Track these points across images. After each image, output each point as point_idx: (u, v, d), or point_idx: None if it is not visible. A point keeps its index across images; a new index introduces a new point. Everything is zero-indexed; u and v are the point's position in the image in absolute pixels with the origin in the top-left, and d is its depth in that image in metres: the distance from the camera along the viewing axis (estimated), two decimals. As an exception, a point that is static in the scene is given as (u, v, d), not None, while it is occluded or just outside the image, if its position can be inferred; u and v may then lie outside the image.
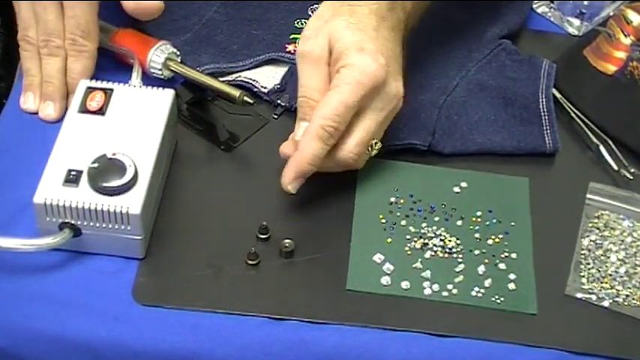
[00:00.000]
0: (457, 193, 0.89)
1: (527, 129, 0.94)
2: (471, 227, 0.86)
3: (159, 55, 0.93)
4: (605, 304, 0.82)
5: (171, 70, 0.93)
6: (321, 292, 0.81)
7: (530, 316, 0.81)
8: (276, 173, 0.84)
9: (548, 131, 0.94)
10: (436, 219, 0.87)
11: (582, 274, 0.84)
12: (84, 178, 0.80)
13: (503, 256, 0.84)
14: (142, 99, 0.87)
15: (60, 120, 0.90)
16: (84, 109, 0.85)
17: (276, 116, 0.94)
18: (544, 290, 0.82)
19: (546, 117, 0.94)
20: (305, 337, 0.78)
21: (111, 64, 0.94)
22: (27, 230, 0.80)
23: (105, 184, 0.79)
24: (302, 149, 0.82)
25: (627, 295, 0.83)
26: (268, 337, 0.78)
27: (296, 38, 0.99)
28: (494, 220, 0.87)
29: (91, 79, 0.89)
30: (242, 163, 0.90)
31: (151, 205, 0.82)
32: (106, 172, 0.79)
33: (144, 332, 0.77)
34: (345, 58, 0.82)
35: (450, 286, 0.82)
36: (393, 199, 0.88)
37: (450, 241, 0.85)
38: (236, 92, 0.88)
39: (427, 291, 0.81)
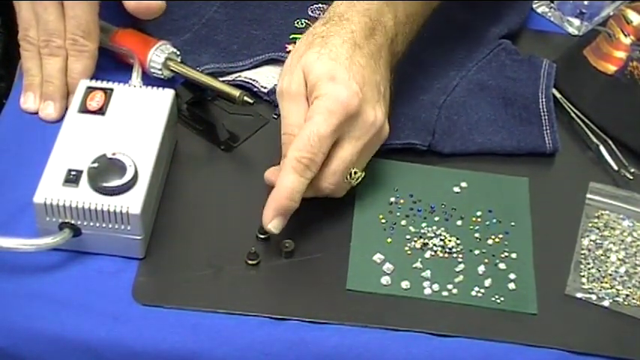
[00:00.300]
0: (457, 193, 0.89)
1: (527, 129, 0.94)
2: (471, 227, 0.86)
3: (159, 55, 0.93)
4: (605, 303, 0.82)
5: (171, 70, 0.93)
6: (321, 292, 0.81)
7: (530, 316, 0.81)
8: (276, 173, 0.84)
9: (548, 131, 0.94)
10: (436, 219, 0.87)
11: (582, 273, 0.84)
12: (84, 178, 0.80)
13: (503, 256, 0.84)
14: (142, 99, 0.87)
15: (60, 120, 0.90)
16: (84, 109, 0.85)
17: (276, 116, 0.94)
18: (544, 290, 0.82)
19: (546, 117, 0.94)
20: (305, 337, 0.78)
21: (111, 64, 0.94)
22: (27, 230, 0.80)
23: (105, 184, 0.79)
24: (279, 184, 0.80)
25: (627, 295, 0.83)
26: (268, 337, 0.78)
27: (296, 38, 0.99)
28: (494, 220, 0.87)
29: (91, 79, 0.89)
30: (242, 163, 0.90)
31: (151, 205, 0.82)
32: (106, 172, 0.79)
33: (144, 332, 0.77)
34: (317, 89, 0.81)
35: (450, 286, 0.82)
36: (393, 199, 0.88)
37: (450, 241, 0.85)
38: (236, 92, 0.88)
39: (427, 291, 0.81)
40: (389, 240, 0.85)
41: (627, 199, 0.89)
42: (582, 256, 0.85)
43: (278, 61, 0.97)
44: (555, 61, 0.99)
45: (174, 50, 0.94)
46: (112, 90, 0.87)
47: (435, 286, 0.82)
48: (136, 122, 0.84)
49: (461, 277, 0.83)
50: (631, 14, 1.00)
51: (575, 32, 1.07)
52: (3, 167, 0.87)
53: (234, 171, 0.89)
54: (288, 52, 0.97)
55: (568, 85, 0.98)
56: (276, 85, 0.94)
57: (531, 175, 0.91)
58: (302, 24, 1.01)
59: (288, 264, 0.82)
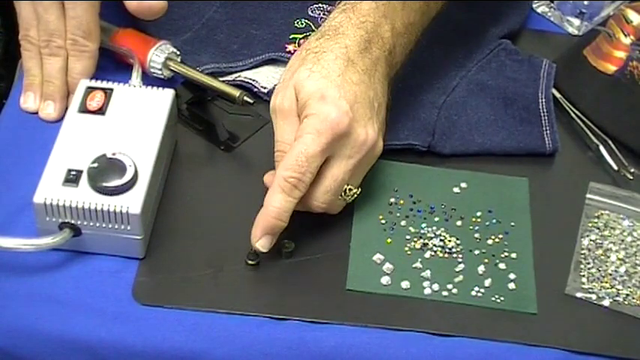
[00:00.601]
0: (457, 193, 0.89)
1: (527, 129, 0.94)
2: (471, 227, 0.86)
3: (159, 55, 0.93)
4: (605, 303, 0.82)
5: (171, 70, 0.93)
6: (321, 292, 0.81)
7: (530, 315, 0.81)
8: (276, 173, 0.84)
9: (548, 131, 0.94)
10: (436, 219, 0.87)
11: (582, 273, 0.84)
12: (84, 177, 0.80)
13: (503, 255, 0.84)
14: (141, 99, 0.87)
15: (60, 120, 0.90)
16: (84, 109, 0.85)
17: (276, 116, 0.94)
18: (544, 290, 0.82)
19: (546, 117, 0.94)
20: (305, 337, 0.78)
21: (111, 64, 0.94)
22: (27, 230, 0.80)
23: (105, 184, 0.79)
24: (266, 204, 0.80)
25: (627, 295, 0.83)
26: (268, 337, 0.78)
27: (296, 38, 0.99)
28: (494, 220, 0.87)
29: (91, 78, 0.89)
30: (242, 163, 0.90)
31: (150, 205, 0.82)
32: (105, 172, 0.79)
33: (144, 332, 0.77)
34: (307, 108, 0.80)
35: (449, 286, 0.82)
36: (392, 200, 0.88)
37: (449, 241, 0.85)
38: (236, 92, 0.88)
39: (427, 291, 0.82)
40: (389, 240, 0.85)
41: (627, 199, 0.89)
42: (582, 256, 0.85)
43: (278, 61, 0.97)
44: (555, 61, 0.99)
45: (174, 50, 0.94)
46: (112, 90, 0.87)
47: (435, 286, 0.82)
48: (135, 122, 0.84)
49: (461, 277, 0.83)
50: (631, 14, 1.00)
51: (575, 32, 1.07)
52: (3, 167, 0.87)
53: (234, 171, 0.89)
54: (288, 52, 0.97)
55: (568, 85, 0.98)
56: (276, 85, 0.95)
57: (531, 175, 0.91)
58: (302, 24, 1.01)
59: (288, 264, 0.82)
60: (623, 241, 0.87)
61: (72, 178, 0.80)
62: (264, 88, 0.95)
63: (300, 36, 0.99)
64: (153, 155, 0.82)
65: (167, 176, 0.87)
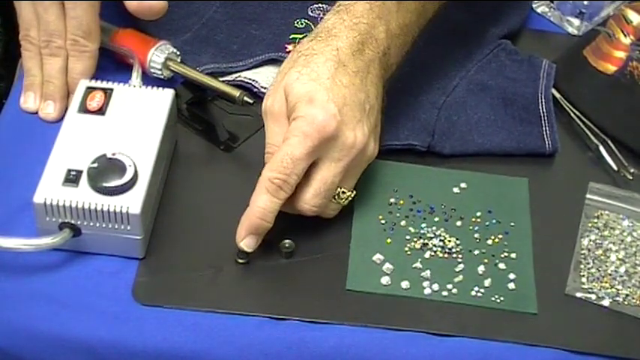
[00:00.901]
0: (457, 193, 0.89)
1: (527, 129, 0.94)
2: (471, 227, 0.86)
3: (159, 55, 0.93)
4: (605, 303, 0.82)
5: (171, 70, 0.93)
6: (321, 292, 0.81)
7: (530, 315, 0.81)
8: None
9: (548, 132, 0.94)
10: (436, 219, 0.87)
11: (582, 273, 0.84)
12: (84, 178, 0.80)
13: (503, 256, 0.84)
14: (141, 99, 0.87)
15: (60, 120, 0.90)
16: (84, 109, 0.85)
17: (276, 116, 0.94)
18: (544, 290, 0.83)
19: (546, 117, 0.94)
20: (305, 337, 0.78)
21: (111, 64, 0.94)
22: (27, 230, 0.80)
23: (105, 184, 0.79)
24: (252, 204, 0.80)
25: (627, 295, 0.83)
26: (268, 337, 0.78)
27: (296, 38, 0.99)
28: (494, 221, 0.87)
29: (91, 78, 0.89)
30: (242, 163, 0.90)
31: (150, 205, 0.82)
32: (105, 172, 0.79)
33: (144, 332, 0.77)
34: (296, 110, 0.80)
35: (449, 286, 0.82)
36: (392, 200, 0.88)
37: (449, 241, 0.85)
38: (236, 92, 0.88)
39: (427, 291, 0.82)
40: (389, 240, 0.85)
41: (627, 199, 0.89)
42: (582, 256, 0.85)
43: (278, 61, 0.97)
44: (555, 61, 0.99)
45: (174, 50, 0.94)
46: (111, 90, 0.87)
47: (435, 286, 0.82)
48: (135, 122, 0.84)
49: (461, 277, 0.83)
50: (631, 14, 1.01)
51: (575, 32, 1.07)
52: (3, 167, 0.87)
53: (234, 171, 0.90)
54: (288, 52, 0.97)
55: (568, 86, 0.98)
56: (274, 85, 0.95)
57: (531, 175, 0.91)
58: (302, 24, 1.01)
59: (288, 264, 0.82)
60: (622, 241, 0.87)
61: (72, 178, 0.80)
62: (264, 88, 0.95)
63: (300, 36, 0.99)
64: (153, 155, 0.82)
65: (167, 176, 0.87)
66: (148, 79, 0.92)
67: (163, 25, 0.96)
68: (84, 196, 0.78)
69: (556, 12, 1.08)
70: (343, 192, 0.83)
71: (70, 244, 0.80)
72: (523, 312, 0.81)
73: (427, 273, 0.82)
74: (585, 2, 1.05)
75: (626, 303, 0.82)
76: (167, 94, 0.87)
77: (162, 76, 0.93)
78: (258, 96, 0.94)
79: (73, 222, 0.79)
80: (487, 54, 1.00)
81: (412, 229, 0.86)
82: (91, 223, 0.79)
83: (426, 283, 0.82)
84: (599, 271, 0.84)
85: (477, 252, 0.84)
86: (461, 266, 0.83)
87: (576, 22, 1.07)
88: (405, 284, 0.82)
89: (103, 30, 0.93)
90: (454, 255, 0.84)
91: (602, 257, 0.85)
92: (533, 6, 1.09)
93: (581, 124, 0.96)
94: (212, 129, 0.91)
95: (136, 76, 0.90)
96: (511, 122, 0.94)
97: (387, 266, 0.83)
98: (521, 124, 0.94)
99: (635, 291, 0.83)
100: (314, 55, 0.82)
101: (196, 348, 0.77)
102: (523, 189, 0.90)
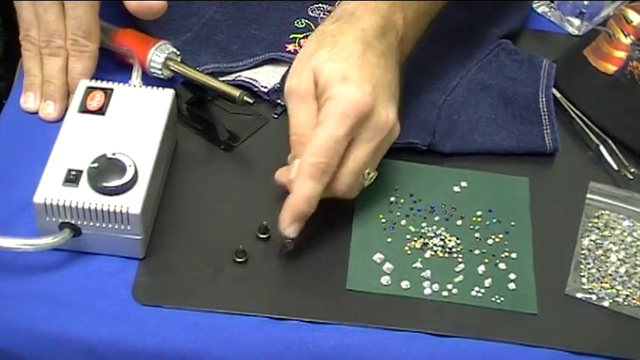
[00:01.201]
0: (457, 192, 0.89)
1: (527, 129, 0.94)
2: (471, 227, 0.86)
3: (159, 54, 0.93)
4: (605, 303, 0.82)
5: (171, 70, 0.93)
6: (321, 292, 0.81)
7: (530, 316, 0.81)
8: (276, 173, 0.84)
9: (548, 131, 0.94)
10: (436, 219, 0.87)
11: (582, 273, 0.84)
12: (84, 177, 0.80)
13: (503, 255, 0.84)
14: (141, 99, 0.87)
15: (60, 120, 0.90)
16: (84, 109, 0.85)
17: (276, 116, 0.94)
18: (544, 290, 0.82)
19: (546, 117, 0.94)
20: (305, 337, 0.78)
21: (111, 64, 0.94)
22: (27, 230, 0.80)
23: (105, 184, 0.79)
24: (295, 191, 0.79)
25: (627, 295, 0.83)
26: (268, 337, 0.78)
27: (296, 38, 0.99)
28: (494, 220, 0.87)
29: (91, 78, 0.89)
30: (242, 163, 0.90)
31: (150, 205, 0.82)
32: (105, 172, 0.79)
33: (144, 332, 0.77)
34: (329, 90, 0.80)
35: (449, 286, 0.82)
36: (393, 199, 0.88)
37: (450, 240, 0.85)
38: (236, 92, 0.88)
39: (427, 291, 0.82)
40: (389, 240, 0.85)
41: (627, 199, 0.89)
42: (582, 256, 0.85)
43: (278, 61, 0.97)
44: (555, 61, 0.99)
45: (174, 50, 0.94)
46: (112, 90, 0.87)
47: (435, 286, 0.82)
48: (135, 122, 0.84)
49: (461, 277, 0.83)
50: (631, 14, 1.00)
51: (575, 32, 1.07)
52: (3, 167, 0.87)
53: (234, 171, 0.89)
54: (288, 52, 0.97)
55: (568, 85, 0.98)
56: (276, 84, 0.95)
57: (531, 174, 0.91)
58: (302, 24, 1.01)
59: (288, 264, 0.82)
60: (623, 241, 0.87)
61: (72, 178, 0.80)
62: (265, 87, 0.95)
63: (300, 36, 0.99)
64: (153, 155, 0.82)
65: (167, 176, 0.87)
66: (148, 79, 0.92)
67: (163, 25, 0.96)
68: (84, 196, 0.78)
69: (556, 12, 1.08)
70: (368, 172, 0.83)
71: (70, 244, 0.80)
72: (523, 312, 0.81)
73: (427, 273, 0.82)
74: (585, 2, 1.05)
75: (626, 304, 0.82)
76: (167, 94, 0.87)
77: (162, 76, 0.93)
78: (258, 96, 0.94)
79: (73, 222, 0.79)
80: (487, 54, 1.00)
81: (412, 229, 0.86)
82: (91, 223, 0.79)
83: (426, 283, 0.82)
84: (599, 271, 0.84)
85: (477, 252, 0.84)
86: (461, 266, 0.83)
87: (576, 22, 1.07)
88: (405, 284, 0.82)
89: (103, 30, 0.93)
90: (454, 255, 0.84)
91: (603, 257, 0.85)
92: (534, 6, 1.09)
93: (581, 124, 0.96)
94: (212, 129, 0.91)
95: (136, 76, 0.90)
96: (512, 121, 0.94)
97: (388, 266, 0.83)
98: (521, 123, 0.94)
99: (635, 291, 0.83)
100: (341, 35, 0.82)
101: (196, 348, 0.77)
102: (523, 188, 0.90)
